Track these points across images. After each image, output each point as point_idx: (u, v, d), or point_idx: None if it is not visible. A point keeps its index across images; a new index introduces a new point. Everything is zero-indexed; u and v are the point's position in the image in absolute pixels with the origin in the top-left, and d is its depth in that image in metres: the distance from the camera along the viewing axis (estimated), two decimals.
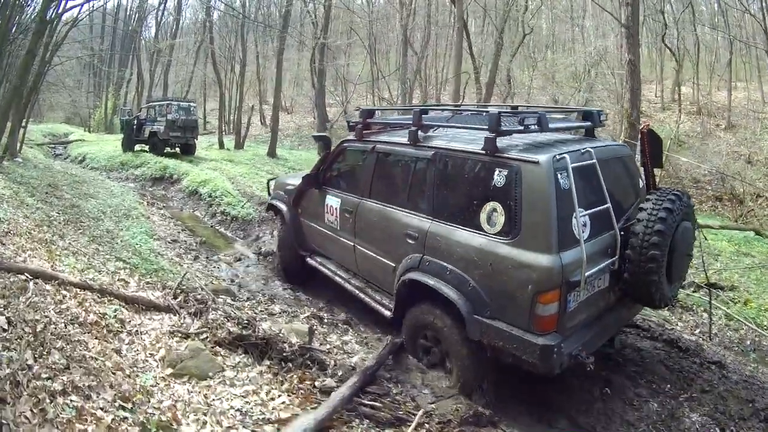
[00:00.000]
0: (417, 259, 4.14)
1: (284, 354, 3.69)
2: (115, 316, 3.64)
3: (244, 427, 2.86)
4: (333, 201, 5.36)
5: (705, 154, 18.76)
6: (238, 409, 3.06)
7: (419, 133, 4.51)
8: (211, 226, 9.24)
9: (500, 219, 3.63)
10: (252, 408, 3.11)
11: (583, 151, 3.83)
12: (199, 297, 4.44)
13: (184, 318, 4.07)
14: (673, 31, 22.33)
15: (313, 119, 31.62)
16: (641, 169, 4.55)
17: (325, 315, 5.14)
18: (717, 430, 3.95)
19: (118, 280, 4.52)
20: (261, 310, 4.95)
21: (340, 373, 3.65)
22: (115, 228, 6.76)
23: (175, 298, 4.39)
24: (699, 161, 16.73)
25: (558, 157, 3.56)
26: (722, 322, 5.86)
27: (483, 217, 3.75)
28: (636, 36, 9.90)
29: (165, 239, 7.35)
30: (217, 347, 3.73)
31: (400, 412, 3.38)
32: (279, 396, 3.28)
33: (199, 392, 3.13)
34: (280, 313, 5.00)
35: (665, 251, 3.72)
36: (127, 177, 14.00)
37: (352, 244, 5.05)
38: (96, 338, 3.16)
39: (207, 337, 3.80)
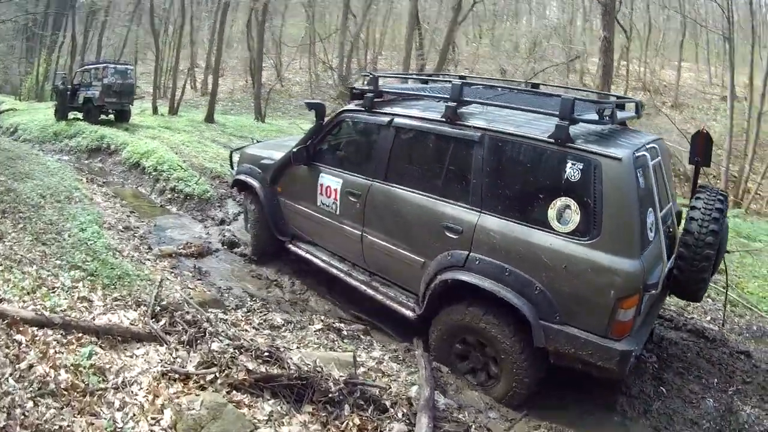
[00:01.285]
0: (461, 257, 3.52)
1: (330, 395, 2.77)
2: (92, 364, 2.52)
3: None
4: (330, 181, 4.47)
5: (655, 131, 19.07)
6: None
7: (459, 109, 3.71)
8: (161, 206, 7.83)
9: (575, 217, 3.13)
10: None
11: (649, 146, 3.55)
12: (188, 317, 3.34)
13: (175, 350, 3.02)
14: (625, 8, 22.26)
15: (245, 83, 29.52)
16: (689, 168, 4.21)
17: (342, 325, 4.20)
18: None
19: (79, 299, 3.30)
20: (260, 323, 3.95)
21: (402, 412, 2.80)
22: (59, 218, 5.30)
23: (155, 319, 3.27)
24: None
25: (637, 154, 3.22)
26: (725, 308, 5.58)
27: (552, 213, 3.21)
28: (612, 13, 9.42)
29: (116, 227, 5.93)
30: (234, 392, 2.75)
31: None
32: None
33: None
34: (284, 324, 4.02)
35: (716, 250, 3.53)
36: (62, 149, 11.83)
37: (359, 232, 4.24)
38: (79, 414, 2.09)
39: (217, 379, 2.80)
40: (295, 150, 4.62)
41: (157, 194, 8.26)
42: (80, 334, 2.69)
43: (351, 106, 4.51)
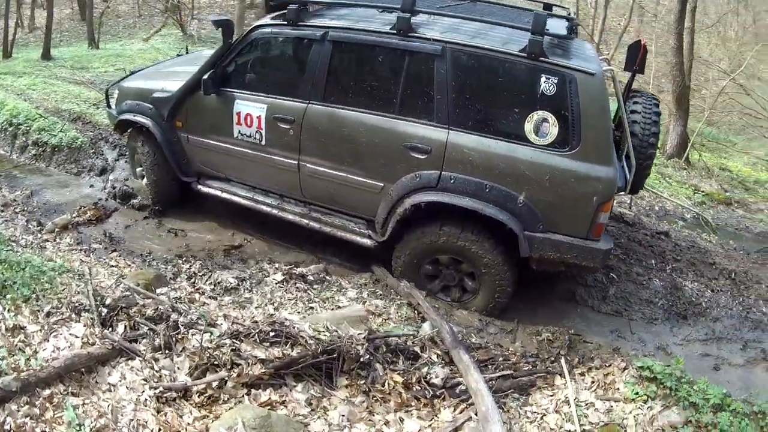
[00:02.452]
0: (432, 177, 3.35)
1: (360, 359, 2.47)
2: (79, 424, 1.83)
3: None
4: (250, 108, 3.89)
5: None
6: None
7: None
8: (28, 165, 6.03)
9: (553, 130, 3.12)
10: None
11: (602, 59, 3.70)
12: (148, 312, 2.62)
13: (154, 360, 2.38)
14: None
15: (71, 11, 23.19)
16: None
17: (302, 269, 3.74)
18: (708, 292, 4.38)
19: (8, 331, 2.31)
20: (212, 289, 3.35)
21: (436, 354, 2.67)
22: None
23: (110, 327, 2.52)
24: None
25: (605, 68, 3.35)
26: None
27: (528, 127, 3.16)
28: None
29: None
30: (254, 391, 2.31)
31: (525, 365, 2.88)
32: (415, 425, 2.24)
33: None
34: (239, 283, 3.47)
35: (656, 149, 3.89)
36: None
37: (295, 162, 3.82)
38: None
39: (226, 383, 2.30)
40: (205, 77, 3.88)
41: (18, 152, 6.30)
42: (47, 390, 1.91)
43: (267, 20, 3.80)
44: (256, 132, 3.88)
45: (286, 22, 3.70)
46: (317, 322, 2.76)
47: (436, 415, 2.38)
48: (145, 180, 4.71)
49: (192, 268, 3.71)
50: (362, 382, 2.45)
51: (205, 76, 3.87)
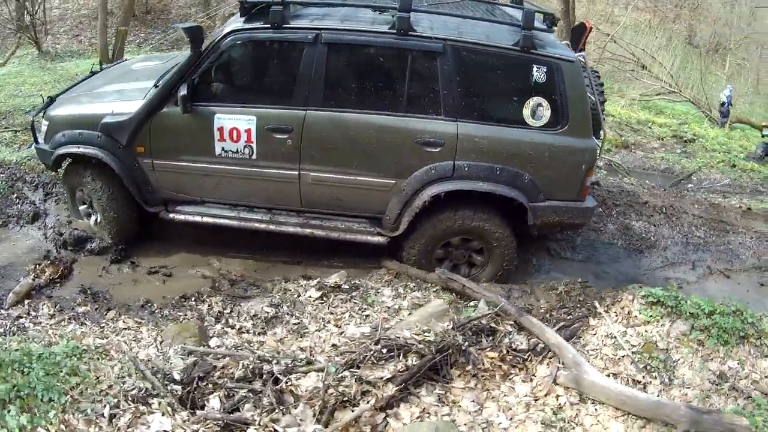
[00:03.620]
0: (448, 168, 3.78)
1: (462, 348, 2.89)
2: None
3: None
4: (235, 121, 3.83)
5: None
6: None
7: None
8: None
9: (546, 113, 3.75)
10: None
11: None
12: (234, 372, 2.59)
13: (274, 422, 2.32)
14: None
15: None
16: None
17: (334, 280, 3.94)
18: (652, 227, 5.49)
19: None
20: (253, 325, 3.42)
21: (510, 325, 3.18)
22: None
23: (190, 405, 2.42)
24: None
25: (579, 55, 3.92)
26: None
27: (527, 112, 3.76)
28: None
29: None
30: (389, 411, 2.53)
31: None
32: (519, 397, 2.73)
33: None
34: (276, 310, 3.55)
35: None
36: None
37: (295, 172, 3.91)
38: None
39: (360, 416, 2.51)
40: (183, 93, 3.72)
41: None
42: None
43: (242, 24, 3.74)
44: (245, 147, 3.86)
45: (269, 25, 3.68)
46: (410, 326, 3.02)
47: (533, 374, 2.89)
48: (95, 218, 4.43)
49: (214, 308, 3.65)
50: (468, 368, 2.82)
51: (183, 92, 3.70)
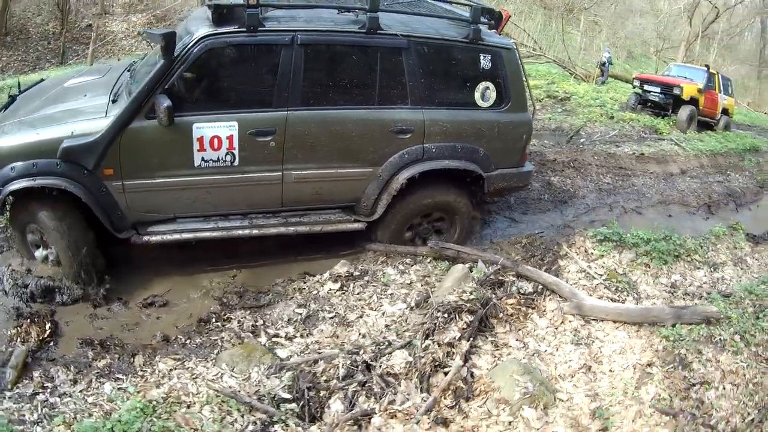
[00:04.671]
0: (418, 151, 4.28)
1: (490, 301, 3.48)
2: None
3: None
4: (215, 129, 3.89)
5: None
6: None
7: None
8: None
9: (492, 95, 4.45)
10: None
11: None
12: (337, 372, 2.84)
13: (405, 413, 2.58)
14: None
15: None
16: None
17: (338, 270, 4.20)
18: (567, 180, 6.70)
19: None
20: (296, 328, 3.60)
21: (511, 275, 3.85)
22: None
23: (310, 417, 2.59)
24: None
25: (513, 41, 4.73)
26: None
27: (477, 95, 4.42)
28: None
29: None
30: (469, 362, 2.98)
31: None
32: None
33: None
34: (305, 310, 3.72)
35: None
36: None
37: (278, 173, 4.11)
38: None
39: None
40: (166, 104, 3.62)
41: None
42: None
43: (213, 29, 3.77)
44: (227, 154, 3.94)
45: (243, 29, 3.78)
46: (449, 291, 3.49)
47: (544, 310, 3.57)
48: (56, 258, 4.13)
49: (244, 323, 3.72)
50: (501, 315, 3.39)
51: (166, 103, 3.62)
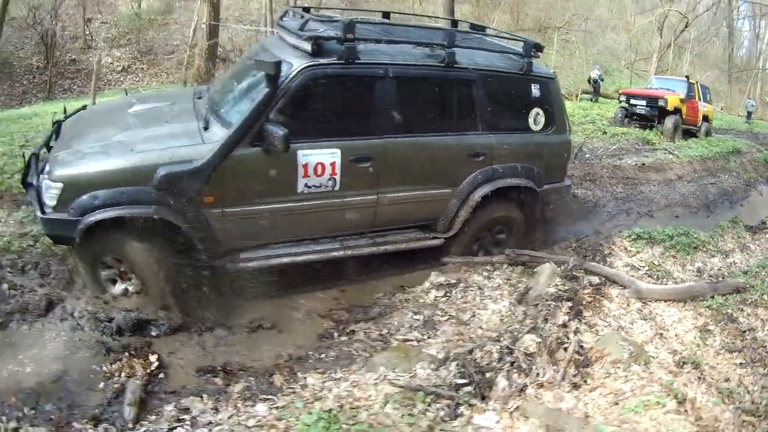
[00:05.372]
0: (489, 172, 5.09)
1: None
2: None
3: None
4: (320, 156, 4.26)
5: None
6: None
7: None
8: None
9: (541, 119, 5.39)
10: None
11: None
12: (493, 355, 3.52)
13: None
14: None
15: None
16: None
17: (434, 280, 4.96)
18: (589, 192, 7.80)
19: None
20: (422, 333, 4.18)
21: (581, 272, 4.85)
22: None
23: (482, 393, 3.20)
24: None
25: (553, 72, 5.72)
26: None
27: (531, 120, 5.36)
28: None
29: None
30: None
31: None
32: None
33: None
34: (421, 317, 4.39)
35: None
36: None
37: (374, 196, 4.62)
38: None
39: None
40: (281, 132, 3.89)
41: None
42: None
43: (314, 60, 4.20)
44: (329, 180, 4.33)
45: (342, 61, 4.25)
46: (546, 286, 4.47)
47: (610, 297, 4.57)
48: (140, 290, 4.26)
49: (371, 334, 4.20)
50: (583, 302, 4.33)
51: (281, 132, 3.87)
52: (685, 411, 2.82)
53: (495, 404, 3.07)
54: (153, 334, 4.16)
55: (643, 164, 9.38)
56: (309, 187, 4.30)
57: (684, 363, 3.50)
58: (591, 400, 3.12)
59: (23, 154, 5.11)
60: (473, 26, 6.33)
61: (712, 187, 9.34)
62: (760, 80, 34.78)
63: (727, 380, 3.25)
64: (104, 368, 3.73)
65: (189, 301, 4.30)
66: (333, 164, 4.32)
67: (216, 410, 3.25)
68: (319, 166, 4.28)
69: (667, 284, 4.97)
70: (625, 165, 9.30)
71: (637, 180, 8.83)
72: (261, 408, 3.21)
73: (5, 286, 4.40)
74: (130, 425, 3.19)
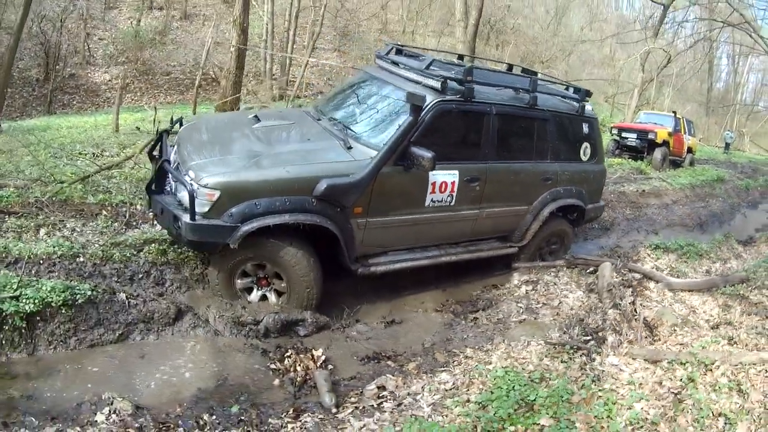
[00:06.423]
0: (555, 192, 6.61)
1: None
2: None
3: None
4: (444, 176, 5.44)
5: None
6: None
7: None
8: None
9: (588, 152, 7.16)
10: None
11: None
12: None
13: None
14: None
15: None
16: None
17: (523, 277, 6.60)
18: (604, 215, 9.54)
19: None
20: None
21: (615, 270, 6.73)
22: None
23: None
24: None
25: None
26: None
27: (581, 152, 7.11)
28: None
29: None
30: None
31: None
32: None
33: None
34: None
35: None
36: None
37: (477, 211, 5.90)
38: None
39: None
40: (428, 155, 4.86)
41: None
42: None
43: (441, 97, 5.28)
44: (448, 196, 5.48)
45: (463, 98, 5.38)
46: (610, 278, 6.05)
47: (648, 289, 6.31)
48: (286, 294, 4.95)
49: (491, 318, 5.53)
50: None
51: (430, 154, 4.84)
52: (735, 344, 4.61)
53: (611, 351, 4.68)
54: (300, 333, 4.85)
55: (644, 191, 11.46)
56: (434, 201, 5.47)
57: (718, 325, 5.32)
58: (665, 348, 4.89)
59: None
60: (524, 70, 7.33)
61: (702, 210, 11.56)
62: (738, 113, 38.58)
63: (754, 328, 5.05)
64: (273, 366, 4.32)
65: (327, 302, 5.17)
66: (453, 183, 5.52)
67: (406, 384, 4.05)
68: (443, 185, 5.46)
69: (687, 279, 6.88)
70: (627, 191, 11.36)
71: (640, 204, 10.88)
72: (445, 376, 4.12)
73: (123, 295, 4.62)
74: (333, 410, 3.78)
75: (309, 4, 24.26)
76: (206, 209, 4.41)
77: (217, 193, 4.39)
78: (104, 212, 5.85)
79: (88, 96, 20.97)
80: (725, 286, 6.34)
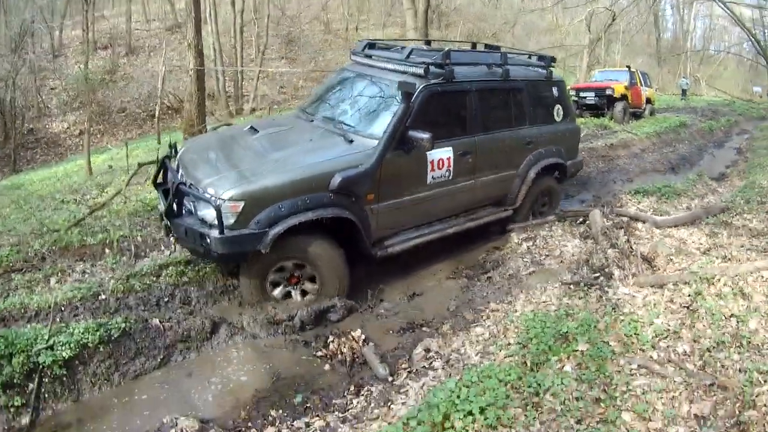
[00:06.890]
0: (536, 155, 7.10)
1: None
2: None
3: None
4: (441, 153, 5.82)
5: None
6: None
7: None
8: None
9: (560, 113, 7.70)
10: None
11: None
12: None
13: None
14: None
15: None
16: None
17: (523, 235, 7.01)
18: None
19: None
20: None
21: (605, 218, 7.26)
22: None
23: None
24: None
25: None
26: None
27: (554, 114, 7.62)
28: None
29: None
30: None
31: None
32: None
33: None
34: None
35: None
36: None
37: (472, 181, 6.30)
38: None
39: None
40: (426, 136, 5.24)
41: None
42: None
43: (428, 81, 5.65)
44: (446, 171, 5.87)
45: (445, 81, 5.77)
46: (602, 223, 6.58)
47: (637, 229, 6.86)
48: (317, 284, 5.21)
49: (503, 275, 5.88)
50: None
51: (427, 135, 5.22)
52: (729, 261, 5.13)
53: (620, 283, 5.18)
54: (333, 319, 5.10)
55: (612, 144, 12.08)
56: (434, 178, 5.85)
57: (709, 249, 5.84)
58: (666, 274, 5.38)
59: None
60: (487, 46, 7.93)
61: (672, 154, 12.22)
62: (690, 59, 39.93)
63: (742, 246, 5.58)
64: (320, 354, 4.57)
65: (353, 286, 5.45)
66: (449, 159, 5.92)
67: (447, 344, 4.47)
68: (441, 161, 5.85)
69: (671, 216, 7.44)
70: (596, 146, 11.95)
71: (610, 157, 11.48)
72: (479, 329, 4.58)
73: (156, 321, 4.74)
74: (390, 378, 4.13)
75: (251, 18, 24.48)
76: (232, 221, 4.59)
77: (241, 204, 4.57)
78: (108, 250, 5.94)
79: (50, 147, 20.90)
80: (708, 217, 6.89)
